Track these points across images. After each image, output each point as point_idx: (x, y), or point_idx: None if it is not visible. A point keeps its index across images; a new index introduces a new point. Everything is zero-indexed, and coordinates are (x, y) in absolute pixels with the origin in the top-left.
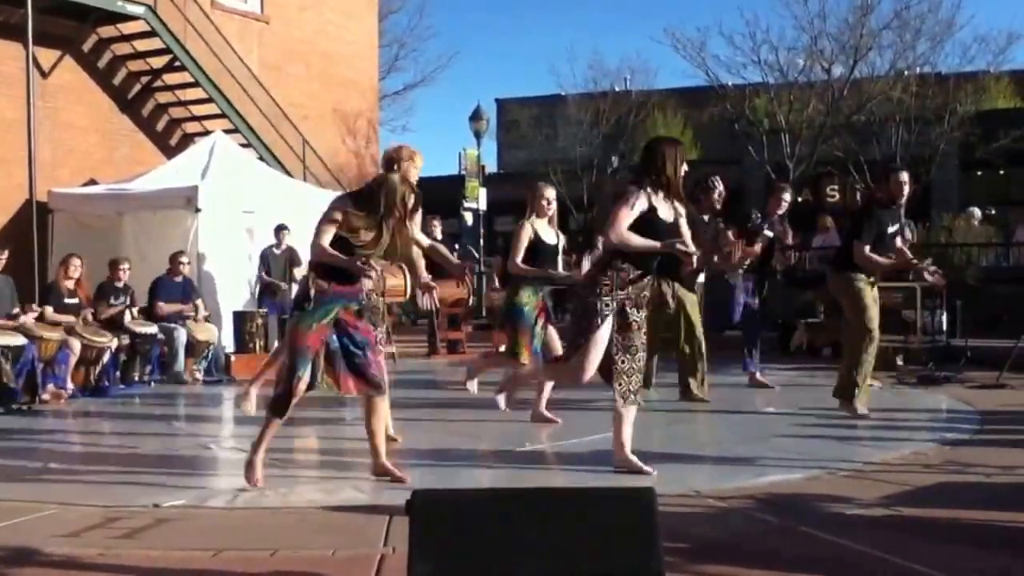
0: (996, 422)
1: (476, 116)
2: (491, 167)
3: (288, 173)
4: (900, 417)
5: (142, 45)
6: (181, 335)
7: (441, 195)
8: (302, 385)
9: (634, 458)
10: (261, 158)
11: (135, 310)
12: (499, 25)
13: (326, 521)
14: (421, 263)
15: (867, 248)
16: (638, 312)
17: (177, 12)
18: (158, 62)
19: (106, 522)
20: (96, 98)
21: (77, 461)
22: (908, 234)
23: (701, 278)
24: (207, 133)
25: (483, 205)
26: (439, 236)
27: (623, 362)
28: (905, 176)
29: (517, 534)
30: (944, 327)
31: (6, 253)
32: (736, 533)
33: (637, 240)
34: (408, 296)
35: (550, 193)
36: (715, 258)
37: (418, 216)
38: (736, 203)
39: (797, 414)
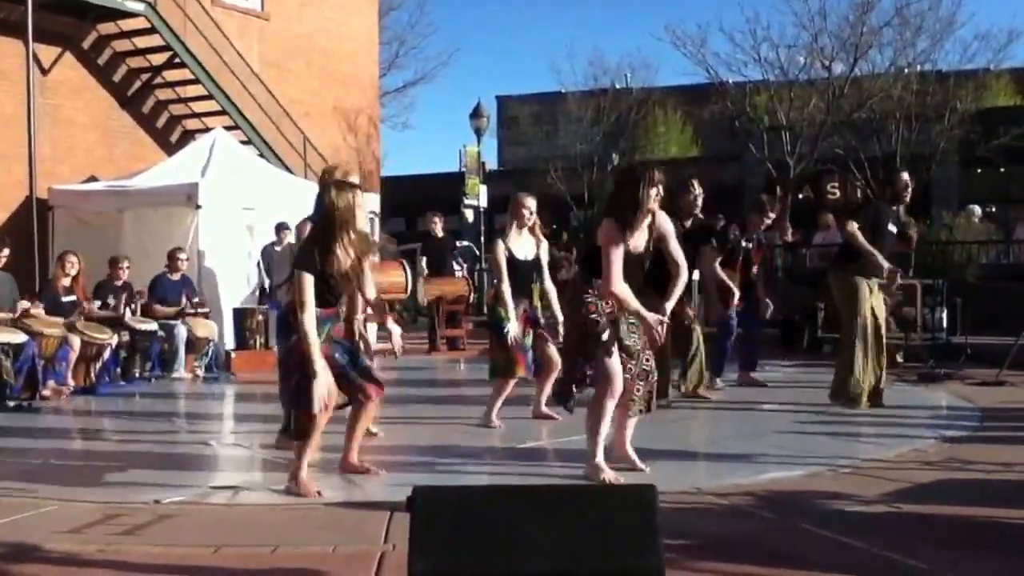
0: (996, 419)
1: (477, 113)
2: (491, 164)
3: (289, 170)
4: (900, 414)
5: (142, 42)
6: (181, 332)
7: (442, 192)
8: (323, 419)
9: (632, 453)
10: (261, 155)
11: (135, 306)
12: (500, 22)
13: (327, 517)
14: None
15: (856, 226)
16: (628, 320)
17: (177, 9)
18: (158, 59)
19: (107, 518)
20: (96, 95)
21: (77, 458)
22: (912, 232)
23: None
24: (207, 130)
25: (483, 202)
26: (440, 233)
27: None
28: (907, 176)
29: (518, 531)
30: (944, 324)
31: (7, 250)
32: (736, 530)
33: (632, 303)
34: (408, 293)
35: (530, 203)
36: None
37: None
38: (717, 205)
39: (797, 411)
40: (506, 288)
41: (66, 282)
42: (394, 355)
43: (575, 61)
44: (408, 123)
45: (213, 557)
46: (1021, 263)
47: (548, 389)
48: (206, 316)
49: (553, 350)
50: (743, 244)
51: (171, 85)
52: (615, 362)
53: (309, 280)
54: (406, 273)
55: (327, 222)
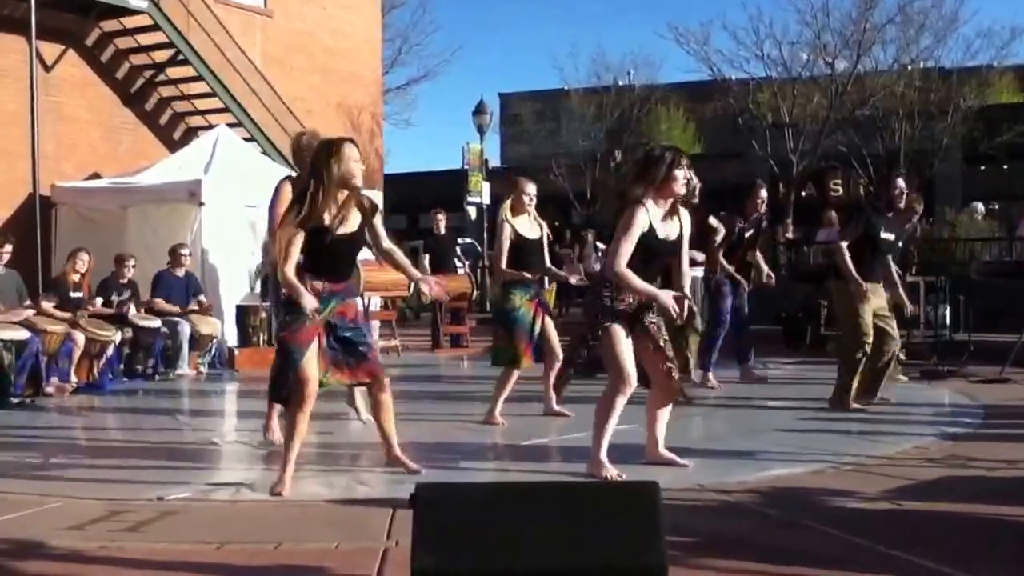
0: (998, 416)
1: (479, 111)
2: (494, 161)
3: (291, 167)
4: (903, 411)
5: (145, 39)
6: (184, 329)
7: (444, 189)
8: (309, 368)
9: (667, 452)
10: (264, 152)
11: (136, 302)
12: (502, 19)
13: (329, 514)
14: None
15: (844, 244)
16: (651, 313)
17: (180, 6)
18: (161, 56)
19: (110, 515)
20: (99, 92)
21: (81, 454)
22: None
23: (700, 272)
24: (210, 127)
25: (486, 199)
26: (442, 230)
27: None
28: (902, 182)
29: (521, 528)
30: (947, 321)
31: (9, 246)
32: (739, 527)
33: (636, 283)
34: (411, 290)
35: (531, 188)
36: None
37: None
38: (713, 202)
39: (800, 408)
40: (505, 267)
41: (75, 279)
42: (397, 352)
43: (578, 58)
44: (411, 120)
45: (216, 554)
46: None
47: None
48: (209, 313)
49: (557, 344)
50: (745, 234)
51: (174, 82)
52: (628, 362)
53: (290, 231)
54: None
55: (320, 179)
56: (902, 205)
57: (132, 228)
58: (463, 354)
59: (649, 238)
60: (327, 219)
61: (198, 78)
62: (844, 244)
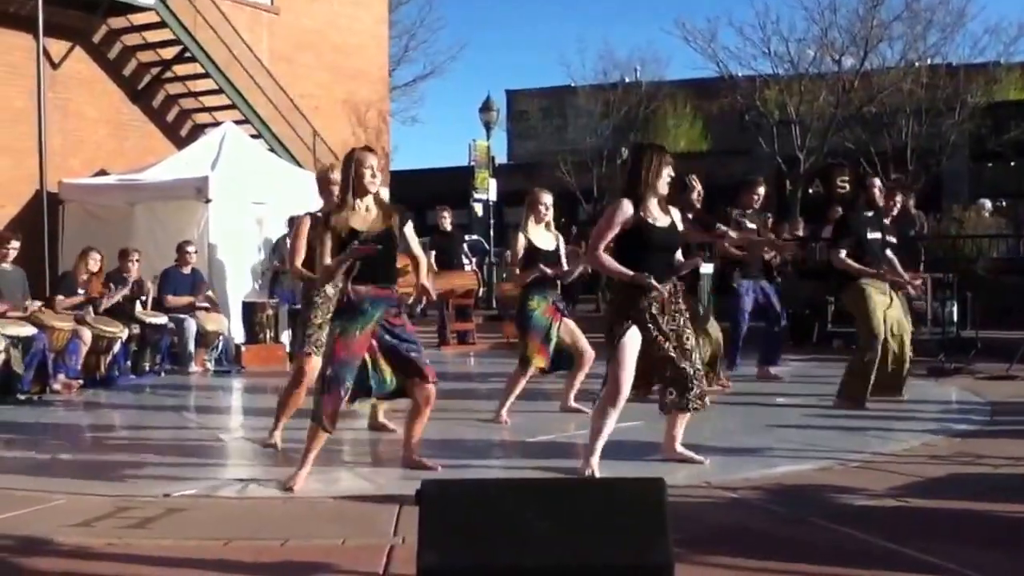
0: (1006, 413)
1: (486, 107)
2: (501, 158)
3: (298, 164)
4: (910, 408)
5: (152, 36)
6: (191, 326)
7: (451, 186)
8: (346, 396)
9: (683, 450)
10: (271, 149)
11: (146, 299)
12: (509, 16)
13: (336, 511)
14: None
15: (843, 253)
16: (664, 318)
17: (187, 3)
18: (168, 53)
19: (117, 511)
20: (106, 89)
21: (88, 451)
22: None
23: (710, 268)
24: (217, 124)
25: (493, 196)
26: (449, 227)
27: (669, 371)
28: (879, 182)
29: (527, 524)
30: (954, 318)
31: (17, 242)
32: (746, 524)
33: (610, 264)
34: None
35: (547, 199)
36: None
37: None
38: (712, 203)
39: (807, 405)
40: (519, 274)
41: (84, 278)
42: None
43: (585, 55)
44: (418, 117)
45: (223, 550)
46: None
47: (578, 384)
48: (216, 310)
49: (585, 343)
50: (745, 224)
51: (181, 79)
52: (629, 373)
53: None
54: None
55: (342, 186)
56: (882, 203)
57: (139, 225)
58: (470, 351)
59: (644, 227)
60: (356, 224)
61: (205, 75)
62: (843, 252)
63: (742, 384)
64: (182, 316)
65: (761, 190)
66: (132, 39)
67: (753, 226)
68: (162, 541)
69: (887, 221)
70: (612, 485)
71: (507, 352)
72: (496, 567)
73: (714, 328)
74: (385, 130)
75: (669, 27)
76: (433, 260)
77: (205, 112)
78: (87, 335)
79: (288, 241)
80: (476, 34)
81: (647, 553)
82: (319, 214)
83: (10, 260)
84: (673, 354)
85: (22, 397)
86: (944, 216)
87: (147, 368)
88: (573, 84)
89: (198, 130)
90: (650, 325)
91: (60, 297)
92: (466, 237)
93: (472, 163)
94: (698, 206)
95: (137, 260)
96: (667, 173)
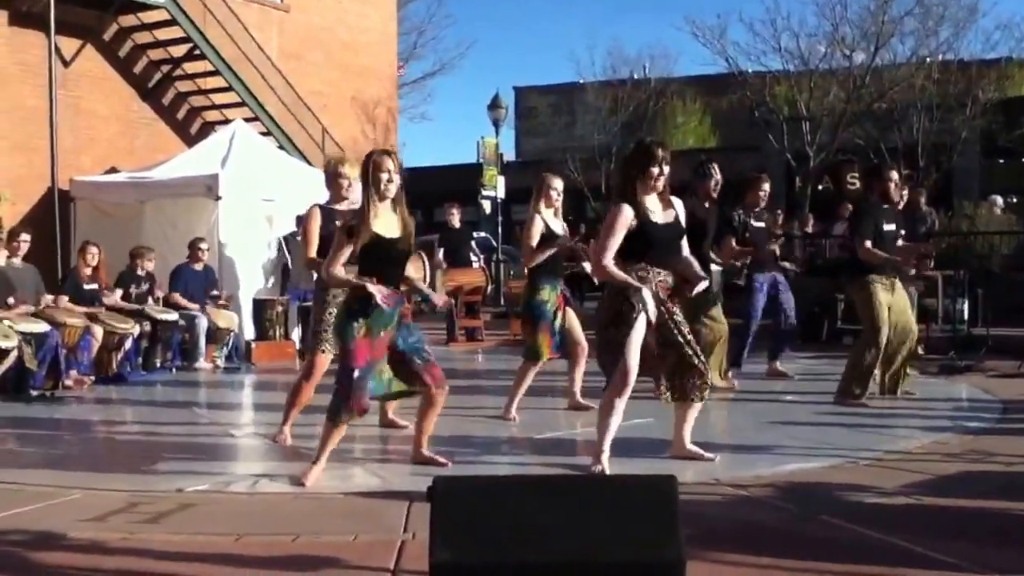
0: (1017, 411)
1: (494, 104)
2: (509, 155)
3: (308, 161)
4: (921, 406)
5: (163, 34)
6: (202, 322)
7: (459, 183)
8: (367, 397)
9: (693, 447)
10: (281, 146)
11: (158, 296)
12: (517, 13)
13: (346, 507)
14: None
15: (868, 243)
16: (665, 308)
17: (197, 1)
18: (178, 51)
19: (130, 507)
20: (117, 86)
21: (100, 447)
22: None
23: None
24: (227, 121)
25: (501, 193)
26: (457, 224)
27: (668, 357)
28: (896, 175)
29: (539, 521)
30: (965, 315)
31: (26, 236)
32: (756, 521)
33: (617, 275)
34: (427, 284)
35: (558, 184)
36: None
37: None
38: (722, 200)
39: (817, 403)
40: (534, 253)
41: (87, 272)
42: None
43: (593, 51)
44: (426, 114)
45: (235, 545)
46: None
47: (579, 378)
48: (227, 307)
49: (582, 335)
50: (752, 223)
51: (191, 77)
52: (633, 362)
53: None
54: (424, 265)
55: (364, 190)
56: (896, 197)
57: (150, 222)
58: (478, 348)
59: (646, 224)
60: (378, 230)
61: (215, 73)
62: (868, 242)
63: (751, 382)
64: (193, 313)
65: (766, 187)
66: (143, 37)
67: (762, 224)
68: (174, 536)
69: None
70: (623, 482)
71: (515, 349)
72: (508, 564)
73: (720, 317)
74: (393, 127)
75: (679, 23)
76: (441, 257)
77: (215, 110)
78: (99, 331)
79: (297, 239)
80: (485, 31)
81: (659, 550)
82: (330, 207)
83: (21, 255)
84: (681, 340)
85: (35, 393)
86: (955, 213)
87: (158, 364)
88: (582, 81)
89: (208, 128)
90: (662, 308)
91: (64, 298)
92: (474, 234)
93: (480, 160)
94: (715, 195)
95: (151, 258)
96: (663, 169)
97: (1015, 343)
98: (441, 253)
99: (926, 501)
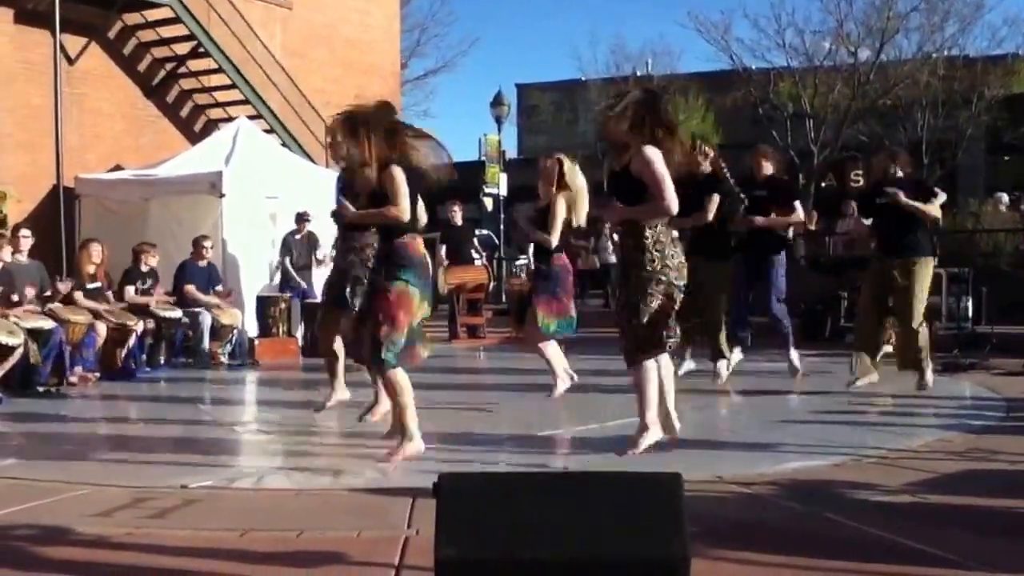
0: (1021, 409)
1: (497, 102)
2: (511, 152)
3: (311, 159)
4: (925, 404)
5: (167, 32)
6: (206, 319)
7: (462, 180)
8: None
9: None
10: (284, 144)
11: (162, 292)
12: (520, 10)
13: (351, 503)
14: None
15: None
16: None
17: None
18: (183, 49)
19: (135, 502)
20: (122, 84)
21: (106, 443)
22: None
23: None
24: (231, 119)
25: (503, 191)
26: (459, 221)
27: (628, 320)
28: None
29: (544, 518)
30: (969, 313)
31: (27, 231)
32: (760, 519)
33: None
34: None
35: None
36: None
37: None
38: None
39: (821, 400)
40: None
41: (90, 269)
42: None
43: (596, 49)
44: (429, 111)
45: (240, 541)
46: None
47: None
48: (228, 296)
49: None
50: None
51: (195, 75)
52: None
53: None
54: (426, 261)
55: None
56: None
57: (154, 220)
58: (480, 345)
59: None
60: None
61: (219, 70)
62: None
63: (754, 379)
64: (197, 310)
65: (767, 164)
66: (147, 35)
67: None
68: (180, 532)
69: None
70: (628, 479)
71: (517, 347)
72: (513, 560)
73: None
74: None
75: (682, 19)
76: (444, 254)
77: (219, 107)
78: (103, 328)
79: (296, 237)
80: (487, 28)
81: (664, 547)
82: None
83: (24, 251)
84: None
85: (41, 389)
86: (960, 210)
87: (162, 361)
88: (584, 78)
89: (212, 125)
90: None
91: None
92: (476, 231)
93: (483, 157)
94: (703, 167)
95: (155, 255)
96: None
97: (1019, 341)
98: (443, 250)
99: (930, 499)
